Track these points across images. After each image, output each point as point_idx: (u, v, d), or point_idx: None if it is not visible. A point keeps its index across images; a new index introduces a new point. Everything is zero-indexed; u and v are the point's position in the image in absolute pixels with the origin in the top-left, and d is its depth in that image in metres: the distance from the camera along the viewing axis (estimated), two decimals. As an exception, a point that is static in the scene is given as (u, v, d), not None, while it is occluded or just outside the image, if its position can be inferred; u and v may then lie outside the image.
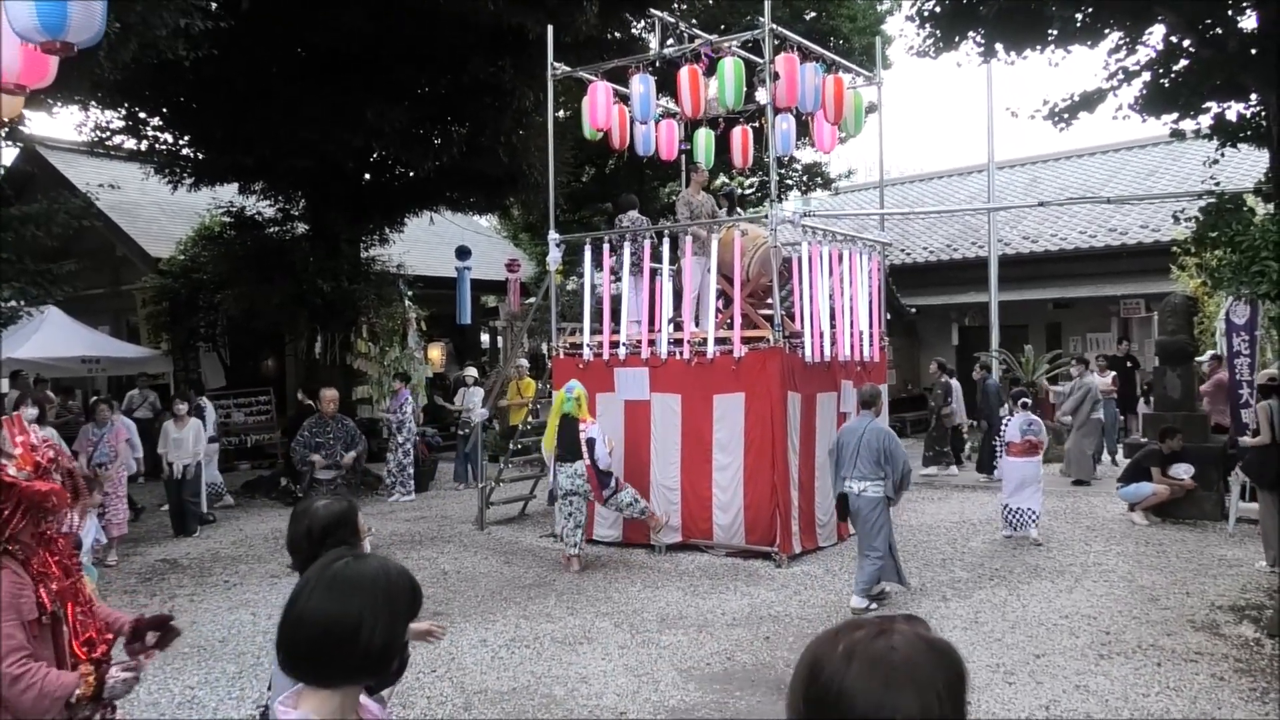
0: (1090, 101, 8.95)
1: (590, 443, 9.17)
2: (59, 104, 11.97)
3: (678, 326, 10.50)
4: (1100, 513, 11.33)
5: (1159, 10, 8.16)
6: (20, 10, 3.30)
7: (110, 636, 3.18)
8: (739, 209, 12.01)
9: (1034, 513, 9.86)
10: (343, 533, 3.01)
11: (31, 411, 9.51)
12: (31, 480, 2.96)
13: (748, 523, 9.49)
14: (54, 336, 14.94)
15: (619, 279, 10.70)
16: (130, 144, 15.09)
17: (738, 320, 9.90)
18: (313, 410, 10.48)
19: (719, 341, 9.84)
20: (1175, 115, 8.77)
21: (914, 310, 20.62)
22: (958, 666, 1.30)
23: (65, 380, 16.35)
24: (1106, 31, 8.78)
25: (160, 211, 18.77)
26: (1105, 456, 15.20)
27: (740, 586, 8.44)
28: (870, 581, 7.69)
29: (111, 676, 2.91)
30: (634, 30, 16.11)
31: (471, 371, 15.78)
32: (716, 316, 10.19)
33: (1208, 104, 8.53)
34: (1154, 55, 8.74)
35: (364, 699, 1.95)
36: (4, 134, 12.13)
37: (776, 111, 9.97)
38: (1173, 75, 8.56)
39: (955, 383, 15.24)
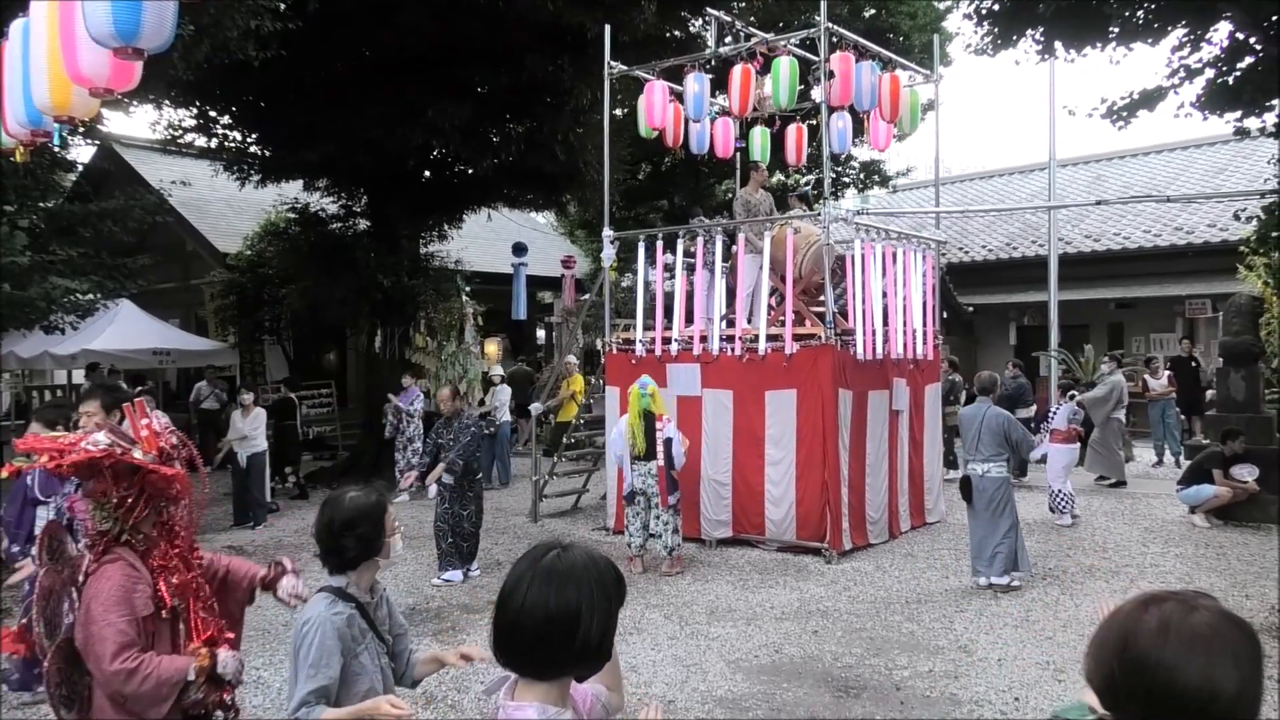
0: (1150, 99, 8.85)
1: (668, 443, 8.86)
2: (135, 103, 12.40)
3: (731, 323, 10.58)
4: (1160, 514, 11.17)
5: (1224, 8, 8.05)
6: (97, 16, 3.42)
7: (231, 636, 3.12)
8: (806, 208, 11.99)
9: (1070, 496, 10.80)
10: (364, 527, 2.86)
11: (94, 404, 9.79)
12: (158, 465, 2.86)
13: (799, 518, 9.54)
14: (127, 329, 15.48)
15: (673, 275, 10.79)
16: (201, 142, 15.51)
17: (789, 317, 9.94)
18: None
19: (771, 338, 9.90)
20: (1239, 113, 8.63)
21: (972, 309, 20.40)
22: (1258, 643, 1.35)
23: (137, 371, 16.89)
24: (1169, 29, 8.67)
25: (228, 208, 19.30)
26: (1168, 458, 14.98)
27: (790, 581, 8.51)
28: (1010, 558, 7.95)
29: (224, 654, 2.90)
30: (692, 28, 16.15)
31: (499, 370, 15.90)
32: (769, 314, 10.25)
33: (1273, 101, 8.39)
34: (1218, 53, 8.61)
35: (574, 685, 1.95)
36: (82, 132, 12.64)
37: (831, 110, 9.99)
38: (1237, 73, 8.43)
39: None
